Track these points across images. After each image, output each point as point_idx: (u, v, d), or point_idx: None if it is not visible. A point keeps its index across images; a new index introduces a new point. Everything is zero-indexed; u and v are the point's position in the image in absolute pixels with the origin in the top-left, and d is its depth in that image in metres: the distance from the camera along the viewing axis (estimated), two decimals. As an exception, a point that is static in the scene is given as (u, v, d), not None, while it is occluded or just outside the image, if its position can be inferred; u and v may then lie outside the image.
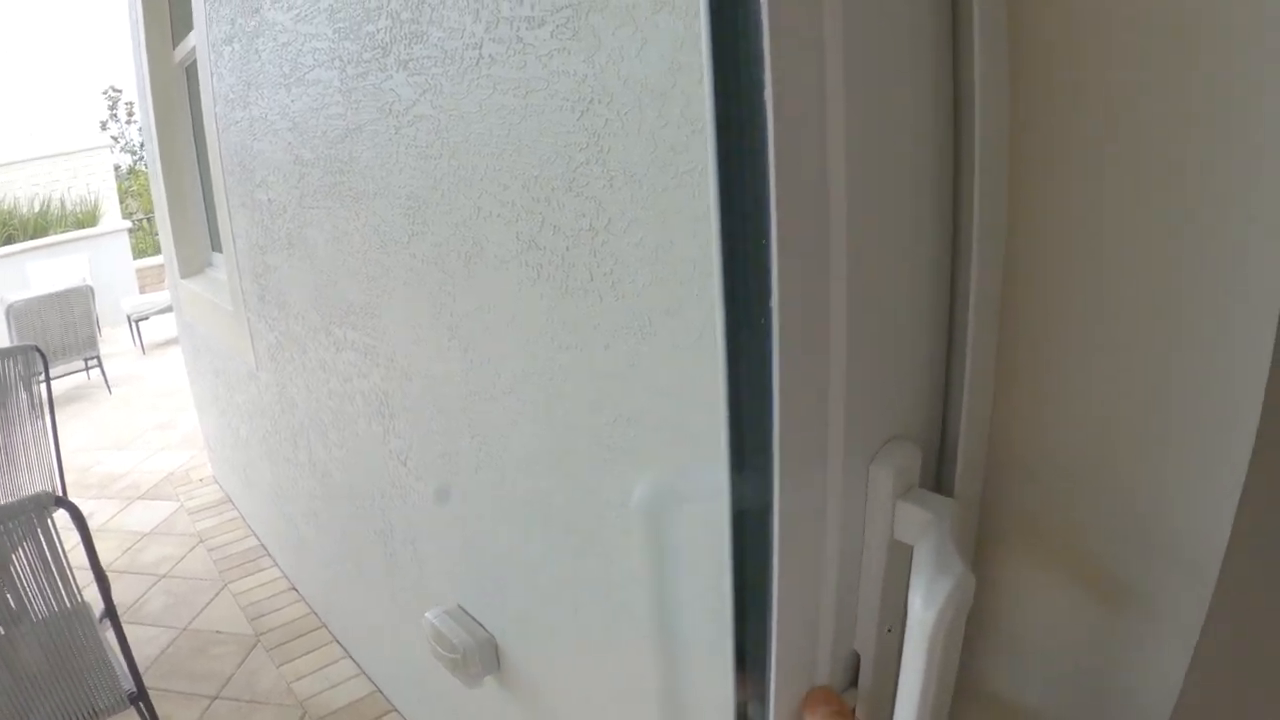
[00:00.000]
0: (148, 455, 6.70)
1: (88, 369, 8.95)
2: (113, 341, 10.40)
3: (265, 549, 4.58)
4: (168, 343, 10.82)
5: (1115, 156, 0.57)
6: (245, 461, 4.38)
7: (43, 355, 4.03)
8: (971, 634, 0.68)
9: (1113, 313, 0.60)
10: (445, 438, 1.83)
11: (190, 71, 4.54)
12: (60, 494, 4.01)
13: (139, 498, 5.78)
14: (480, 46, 1.36)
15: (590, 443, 1.34)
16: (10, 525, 2.06)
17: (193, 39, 3.98)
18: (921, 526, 0.63)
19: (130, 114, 21.54)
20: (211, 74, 3.07)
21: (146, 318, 10.50)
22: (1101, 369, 0.61)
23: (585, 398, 1.32)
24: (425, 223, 1.64)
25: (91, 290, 8.77)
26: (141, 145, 21.71)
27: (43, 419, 4.09)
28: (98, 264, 11.74)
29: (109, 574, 4.49)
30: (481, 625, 1.95)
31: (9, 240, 12.61)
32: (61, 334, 8.58)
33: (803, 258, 0.56)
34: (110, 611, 2.38)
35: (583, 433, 1.35)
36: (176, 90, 4.64)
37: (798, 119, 0.54)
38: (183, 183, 4.73)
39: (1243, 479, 0.55)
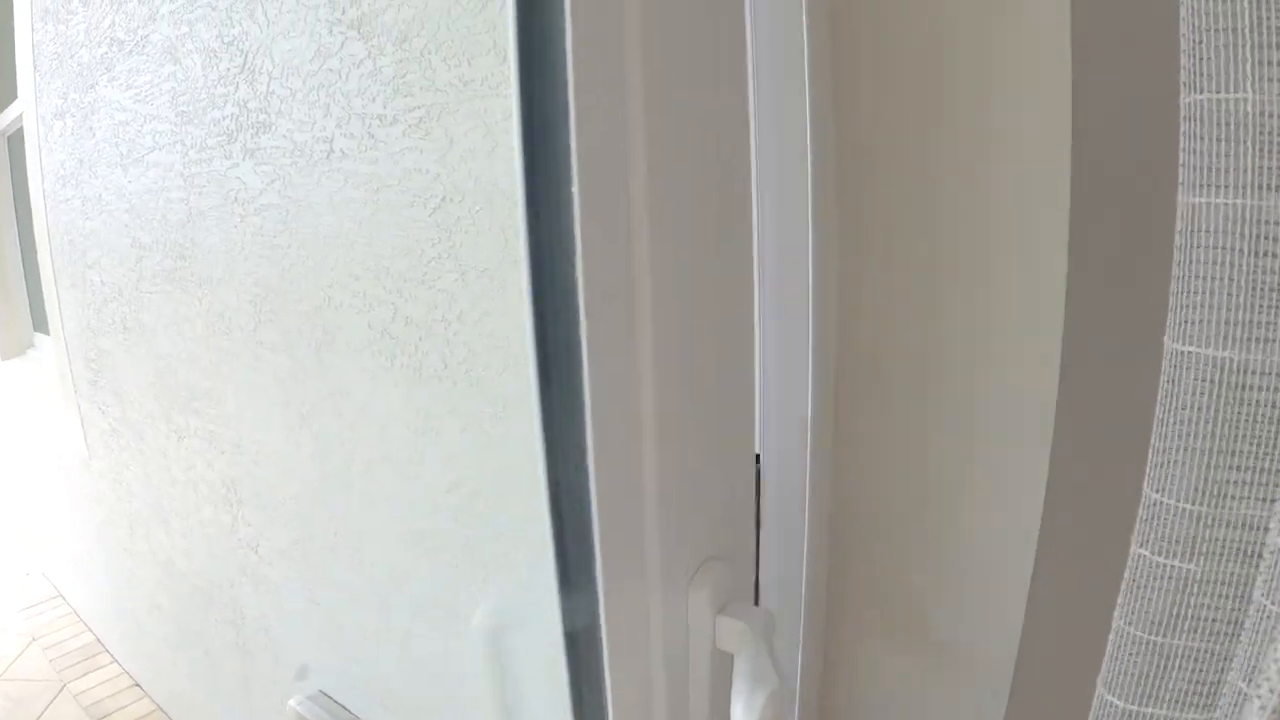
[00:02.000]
0: (-35, 551, 6.34)
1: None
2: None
3: (103, 644, 4.38)
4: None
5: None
6: (78, 553, 4.21)
7: None
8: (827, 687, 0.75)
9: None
10: (299, 523, 1.83)
11: (13, 141, 4.41)
12: None
13: (-43, 595, 5.47)
14: (331, 140, 1.40)
15: (449, 521, 1.38)
16: None
17: (17, 108, 3.88)
18: (739, 637, 0.70)
19: None
20: (40, 149, 3.00)
21: (-41, 400, 9.93)
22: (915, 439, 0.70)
23: (442, 478, 1.36)
24: (273, 311, 1.66)
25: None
26: None
27: None
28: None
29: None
30: (346, 709, 1.94)
31: None
32: None
33: (613, 402, 0.63)
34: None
35: (442, 512, 1.39)
36: (-2, 162, 4.50)
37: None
38: (2, 258, 4.56)
39: (1036, 534, 0.64)
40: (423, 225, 1.25)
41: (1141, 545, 0.55)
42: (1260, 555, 0.53)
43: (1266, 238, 0.50)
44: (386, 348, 1.38)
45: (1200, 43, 0.50)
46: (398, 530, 1.52)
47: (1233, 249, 0.51)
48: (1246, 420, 0.52)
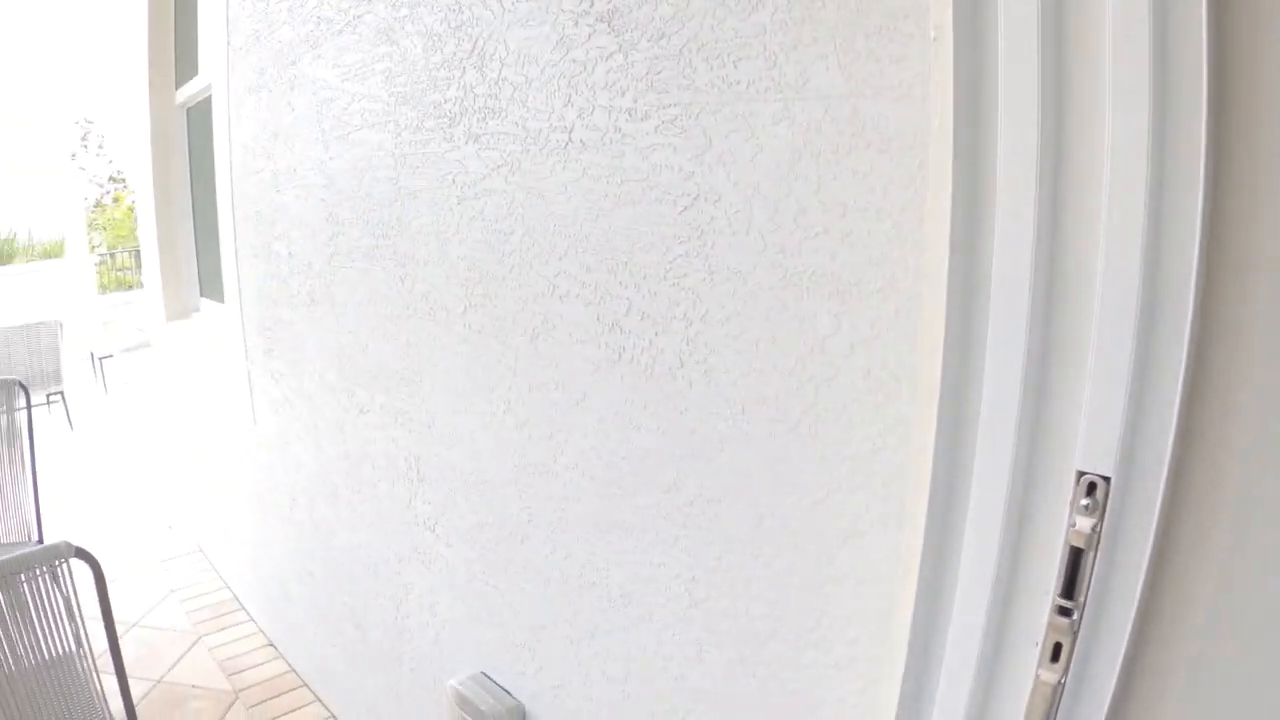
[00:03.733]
0: (115, 497, 6.61)
1: (49, 404, 8.84)
2: (75, 377, 10.26)
3: (240, 602, 4.53)
4: (130, 383, 10.71)
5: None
6: (224, 513, 4.35)
7: (25, 389, 4.01)
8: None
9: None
10: (488, 507, 1.85)
11: (192, 114, 4.57)
12: (40, 538, 3.97)
13: (108, 541, 5.69)
14: (570, 130, 1.41)
15: (663, 521, 1.38)
16: (26, 574, 2.05)
17: (198, 83, 4.02)
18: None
19: (101, 146, 21.42)
20: (230, 121, 3.10)
21: (111, 356, 10.40)
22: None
23: (662, 478, 1.36)
24: (487, 295, 1.68)
25: (60, 324, 8.70)
26: (110, 179, 21.64)
27: (21, 456, 4.05)
28: (63, 297, 11.63)
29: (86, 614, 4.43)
30: (509, 693, 1.96)
31: (-27, 269, 12.46)
32: (26, 366, 8.49)
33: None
34: (119, 668, 2.36)
35: (655, 511, 1.39)
36: (176, 132, 4.67)
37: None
38: (175, 225, 4.74)
39: None
40: (670, 222, 1.25)
41: None
42: None
43: None
44: (615, 341, 1.38)
45: None
46: (601, 524, 1.52)
47: None
48: None
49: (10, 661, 2.07)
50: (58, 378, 8.75)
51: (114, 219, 20.49)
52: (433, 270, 1.86)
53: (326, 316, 2.44)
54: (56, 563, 2.09)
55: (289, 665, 3.83)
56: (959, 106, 0.82)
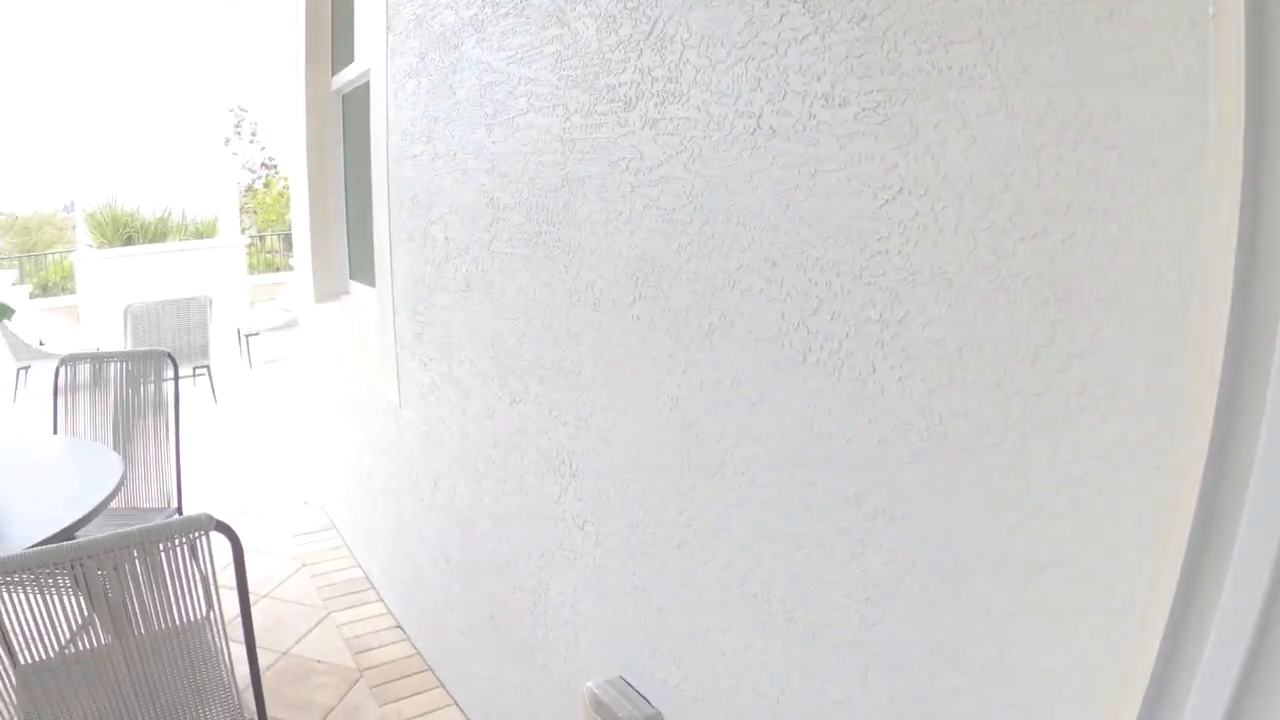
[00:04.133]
0: (253, 471, 6.82)
1: (195, 377, 9.19)
2: (222, 352, 10.64)
3: (370, 582, 4.61)
4: (275, 361, 11.05)
5: None
6: (361, 493, 4.43)
7: (174, 362, 4.14)
8: None
9: None
10: (643, 508, 1.81)
11: (348, 100, 4.66)
12: (179, 506, 4.10)
13: (242, 512, 5.87)
14: (759, 116, 1.36)
15: (838, 535, 1.31)
16: (165, 544, 2.09)
17: (355, 69, 4.09)
18: None
19: (254, 133, 22.37)
20: (388, 105, 3.13)
21: (257, 333, 10.75)
22: None
23: (842, 489, 1.29)
24: (658, 287, 1.64)
25: (210, 300, 9.03)
26: (262, 165, 22.57)
27: (166, 425, 4.18)
28: (213, 276, 12.05)
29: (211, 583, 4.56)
30: (647, 700, 1.92)
31: (129, 242, 13.03)
32: (175, 339, 8.84)
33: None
34: (249, 638, 2.40)
35: (830, 524, 1.32)
36: (330, 117, 4.77)
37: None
38: (327, 208, 4.84)
39: None
40: (869, 216, 1.18)
41: None
42: None
43: None
44: (800, 341, 1.32)
45: None
46: (768, 533, 1.46)
47: None
48: None
49: (141, 624, 2.12)
50: (205, 352, 9.09)
51: (264, 203, 21.34)
52: (600, 259, 1.83)
53: (482, 303, 2.43)
54: (196, 534, 2.13)
55: (415, 649, 3.88)
56: (1250, 94, 0.73)
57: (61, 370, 4.22)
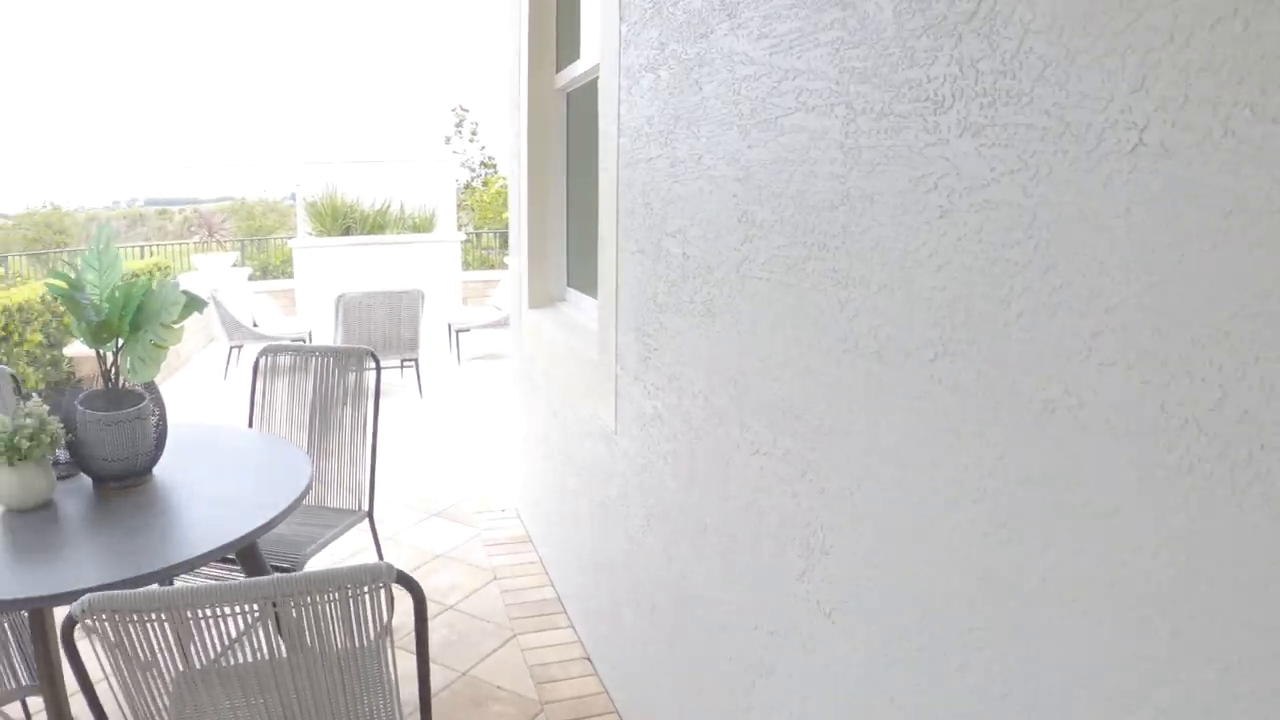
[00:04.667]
0: (451, 469, 6.77)
1: (402, 369, 9.29)
2: (430, 346, 10.77)
3: (563, 606, 4.40)
4: (483, 358, 11.15)
5: None
6: (562, 512, 4.22)
7: (376, 360, 4.05)
8: None
9: None
10: (916, 612, 1.47)
11: (572, 99, 4.48)
12: (369, 510, 3.99)
13: (436, 513, 5.80)
14: (1142, 129, 1.00)
15: (1205, 707, 0.94)
16: (339, 592, 1.90)
17: (581, 65, 3.88)
18: None
19: (474, 133, 23.20)
20: (619, 104, 2.88)
21: (468, 330, 10.85)
22: None
23: (1219, 647, 0.93)
24: (973, 343, 1.29)
25: (422, 295, 9.11)
26: (481, 164, 23.34)
27: (363, 426, 4.08)
28: (427, 270, 12.26)
29: (395, 587, 4.42)
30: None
31: (346, 232, 13.43)
32: (385, 331, 8.96)
33: None
34: (424, 699, 2.20)
35: (1193, 688, 0.96)
36: (553, 117, 4.59)
37: None
38: (547, 211, 4.66)
39: None
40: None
41: None
42: None
43: None
44: (1186, 444, 0.96)
45: None
46: (1105, 689, 1.10)
47: None
48: None
49: (311, 641, 1.95)
50: (414, 346, 9.19)
51: (482, 201, 21.98)
52: (889, 298, 1.49)
53: (727, 333, 2.13)
54: (376, 585, 1.92)
55: (603, 686, 3.63)
56: None
57: (263, 359, 4.19)
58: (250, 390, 4.21)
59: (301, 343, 10.13)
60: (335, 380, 4.10)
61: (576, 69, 4.07)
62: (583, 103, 4.41)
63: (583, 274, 4.55)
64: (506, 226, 20.00)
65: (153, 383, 2.97)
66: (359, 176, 14.26)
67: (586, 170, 4.50)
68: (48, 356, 8.45)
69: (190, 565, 2.45)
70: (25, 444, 2.66)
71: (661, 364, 2.57)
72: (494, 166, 24.14)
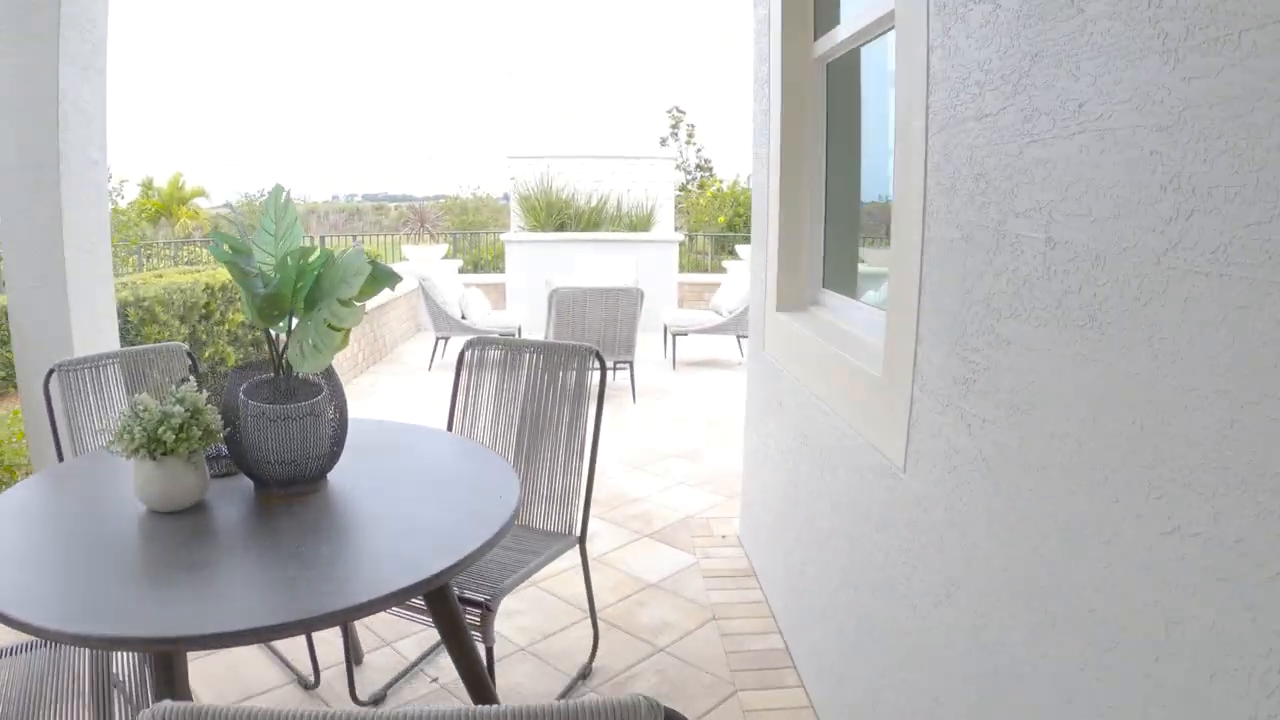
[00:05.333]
0: (665, 485, 6.27)
1: (615, 370, 8.90)
2: (643, 349, 10.37)
3: (793, 659, 3.80)
4: (700, 364, 10.68)
5: None
6: (804, 552, 3.63)
7: (601, 360, 3.56)
8: None
9: None
10: None
11: (834, 68, 3.89)
12: (581, 535, 3.49)
13: (649, 534, 5.31)
14: None
15: None
16: None
17: (864, 16, 3.30)
18: None
19: (690, 135, 23.16)
20: (929, 50, 2.28)
21: (685, 334, 10.43)
22: None
23: None
24: None
25: (641, 294, 8.71)
26: (697, 166, 23.30)
27: (579, 439, 3.59)
28: (643, 270, 11.94)
29: (600, 620, 3.92)
30: None
31: (561, 228, 13.28)
32: (600, 330, 8.59)
33: None
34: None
35: None
36: (811, 91, 4.01)
37: None
38: (800, 199, 4.07)
39: None
40: None
41: None
42: None
43: None
44: None
45: None
46: None
47: None
48: None
49: None
50: (630, 348, 8.77)
51: (697, 204, 21.82)
52: None
53: (1129, 353, 1.49)
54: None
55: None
56: None
57: (469, 353, 3.76)
58: (452, 387, 3.79)
59: (512, 336, 9.92)
60: (550, 380, 3.63)
61: (851, 26, 3.47)
62: (847, 70, 3.83)
63: (840, 271, 3.95)
64: (722, 230, 19.94)
65: (332, 371, 2.50)
66: (573, 171, 14.14)
67: (847, 153, 3.91)
68: (249, 336, 8.41)
69: (368, 610, 1.99)
70: (170, 437, 2.24)
71: (994, 390, 1.94)
72: (710, 169, 23.98)
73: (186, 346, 3.85)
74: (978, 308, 2.01)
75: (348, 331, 2.30)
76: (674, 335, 10.45)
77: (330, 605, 1.93)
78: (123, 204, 21.89)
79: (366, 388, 9.54)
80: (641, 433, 7.72)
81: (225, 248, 2.36)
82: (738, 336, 10.49)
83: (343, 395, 2.55)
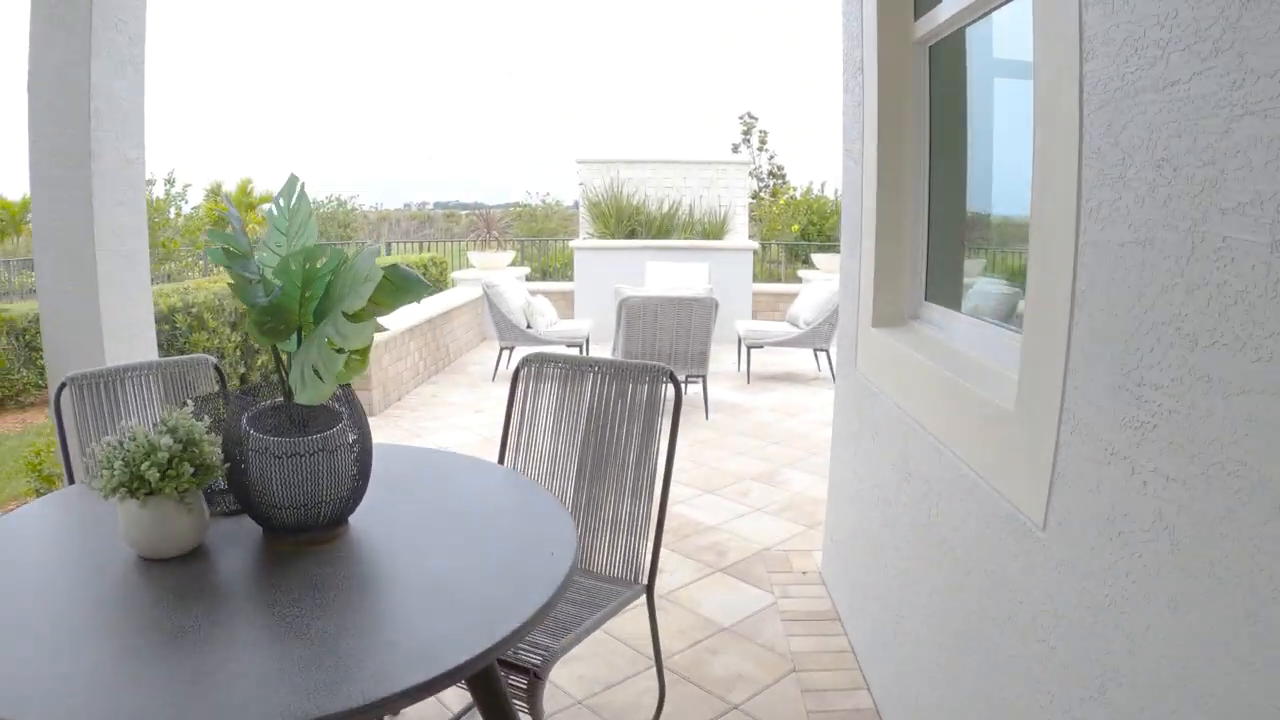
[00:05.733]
0: (741, 513, 5.84)
1: (687, 384, 8.51)
2: (715, 362, 9.96)
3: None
4: (776, 377, 10.26)
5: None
6: (901, 602, 3.19)
7: (675, 382, 3.14)
8: None
9: None
10: None
11: (936, 51, 3.47)
12: (649, 583, 3.07)
13: (722, 569, 4.88)
14: None
15: None
16: None
17: (950, 6, 2.89)
18: None
19: (763, 141, 22.88)
20: (1082, 8, 1.86)
21: (760, 346, 10.02)
22: None
23: None
24: None
25: (716, 303, 8.31)
26: (770, 174, 22.99)
27: (649, 474, 3.17)
28: (716, 279, 11.57)
29: (667, 670, 3.52)
30: None
31: (631, 235, 13.00)
32: (672, 341, 8.20)
33: None
34: None
35: None
36: (908, 77, 3.58)
37: None
38: (901, 200, 3.64)
39: None
40: None
41: None
42: None
43: None
44: None
45: None
46: None
47: None
48: None
49: None
50: (703, 361, 8.37)
51: (770, 212, 21.47)
52: None
53: None
54: None
55: None
56: None
57: (524, 370, 3.38)
58: (506, 410, 3.39)
59: (577, 351, 9.56)
60: (617, 404, 3.23)
61: (943, 10, 3.05)
62: (951, 57, 3.41)
63: (944, 284, 3.51)
64: (795, 239, 19.52)
65: (350, 391, 2.11)
66: (643, 176, 13.86)
67: (952, 149, 3.47)
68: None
69: (398, 702, 1.60)
70: (155, 475, 1.88)
71: (1186, 440, 1.50)
72: (783, 176, 23.62)
73: (214, 359, 3.52)
74: (1162, 332, 1.57)
75: (364, 353, 1.90)
76: (749, 347, 10.04)
77: (349, 699, 1.54)
78: (186, 209, 21.95)
79: (428, 398, 9.25)
80: (714, 451, 7.30)
81: (217, 246, 1.96)
82: (815, 349, 10.09)
83: (365, 423, 2.15)
